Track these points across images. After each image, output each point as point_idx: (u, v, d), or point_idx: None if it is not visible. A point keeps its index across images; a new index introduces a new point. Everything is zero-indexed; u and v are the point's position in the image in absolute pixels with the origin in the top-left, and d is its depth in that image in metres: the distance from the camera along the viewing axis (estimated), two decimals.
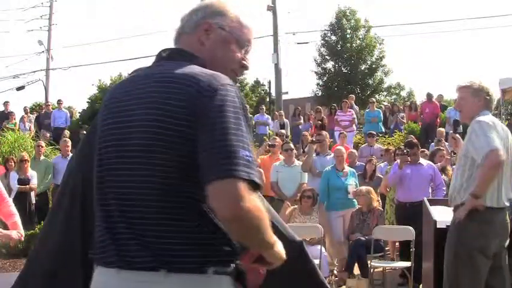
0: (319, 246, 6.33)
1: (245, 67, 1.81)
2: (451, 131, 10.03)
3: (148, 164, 1.53)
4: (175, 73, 1.60)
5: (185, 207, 1.51)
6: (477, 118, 3.68)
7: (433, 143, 11.32)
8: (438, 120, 14.36)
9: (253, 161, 1.49)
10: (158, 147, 1.51)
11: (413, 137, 10.25)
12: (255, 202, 1.44)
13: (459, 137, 4.25)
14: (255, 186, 1.46)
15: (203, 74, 1.58)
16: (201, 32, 1.74)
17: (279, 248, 1.61)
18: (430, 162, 7.28)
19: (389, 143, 12.58)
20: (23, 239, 4.19)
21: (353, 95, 18.09)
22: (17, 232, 4.05)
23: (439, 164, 7.91)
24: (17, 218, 4.12)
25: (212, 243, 1.53)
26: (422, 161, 7.09)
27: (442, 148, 8.89)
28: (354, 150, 10.06)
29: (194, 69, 1.61)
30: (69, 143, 10.29)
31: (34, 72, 24.70)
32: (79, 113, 23.04)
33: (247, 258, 1.62)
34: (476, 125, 3.62)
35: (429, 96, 14.84)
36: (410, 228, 6.22)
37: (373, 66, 28.73)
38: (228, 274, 1.56)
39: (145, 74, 1.69)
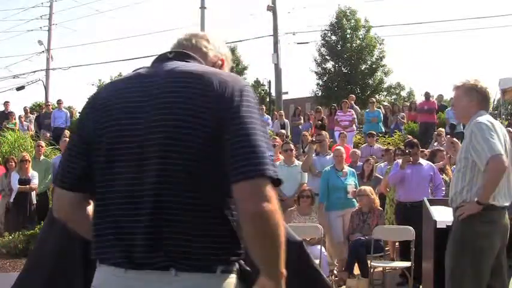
0: (319, 246, 6.33)
1: None
2: (448, 135, 10.06)
3: (169, 165, 1.50)
4: (194, 72, 1.59)
5: (206, 209, 1.52)
6: (475, 119, 3.59)
7: (436, 143, 11.31)
8: (435, 117, 14.34)
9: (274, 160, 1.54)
10: (179, 147, 1.50)
11: (410, 137, 10.23)
12: (278, 208, 1.48)
13: (457, 141, 4.22)
14: (276, 183, 1.50)
15: (223, 73, 1.62)
16: (216, 63, 1.81)
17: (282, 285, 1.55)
18: (430, 163, 7.27)
19: (389, 143, 12.56)
20: None
21: (353, 95, 18.05)
22: None
23: (441, 162, 7.90)
24: None
25: (225, 242, 1.53)
26: (421, 161, 7.08)
27: (442, 148, 8.88)
28: (358, 151, 10.06)
29: (212, 68, 1.66)
30: None
31: (34, 72, 24.68)
32: (79, 113, 22.99)
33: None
34: (475, 127, 3.54)
35: (427, 95, 14.83)
36: (410, 228, 6.22)
37: (373, 66, 28.71)
38: (233, 272, 1.57)
39: (155, 73, 1.64)
